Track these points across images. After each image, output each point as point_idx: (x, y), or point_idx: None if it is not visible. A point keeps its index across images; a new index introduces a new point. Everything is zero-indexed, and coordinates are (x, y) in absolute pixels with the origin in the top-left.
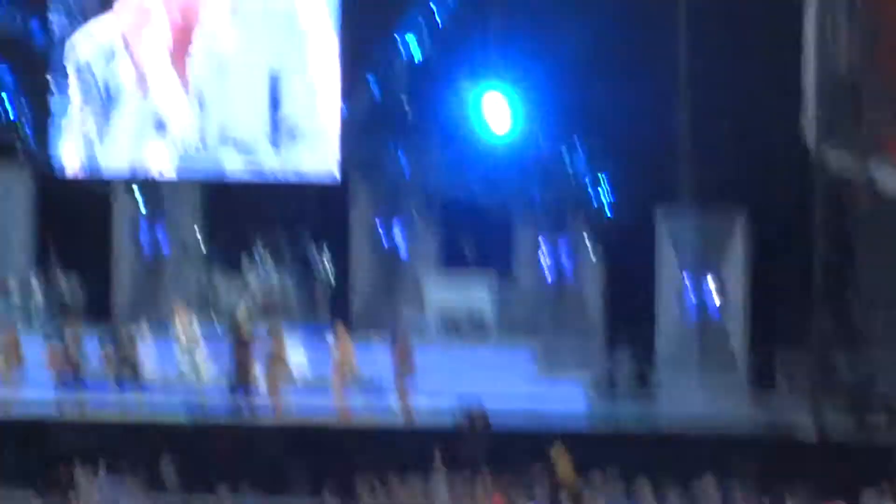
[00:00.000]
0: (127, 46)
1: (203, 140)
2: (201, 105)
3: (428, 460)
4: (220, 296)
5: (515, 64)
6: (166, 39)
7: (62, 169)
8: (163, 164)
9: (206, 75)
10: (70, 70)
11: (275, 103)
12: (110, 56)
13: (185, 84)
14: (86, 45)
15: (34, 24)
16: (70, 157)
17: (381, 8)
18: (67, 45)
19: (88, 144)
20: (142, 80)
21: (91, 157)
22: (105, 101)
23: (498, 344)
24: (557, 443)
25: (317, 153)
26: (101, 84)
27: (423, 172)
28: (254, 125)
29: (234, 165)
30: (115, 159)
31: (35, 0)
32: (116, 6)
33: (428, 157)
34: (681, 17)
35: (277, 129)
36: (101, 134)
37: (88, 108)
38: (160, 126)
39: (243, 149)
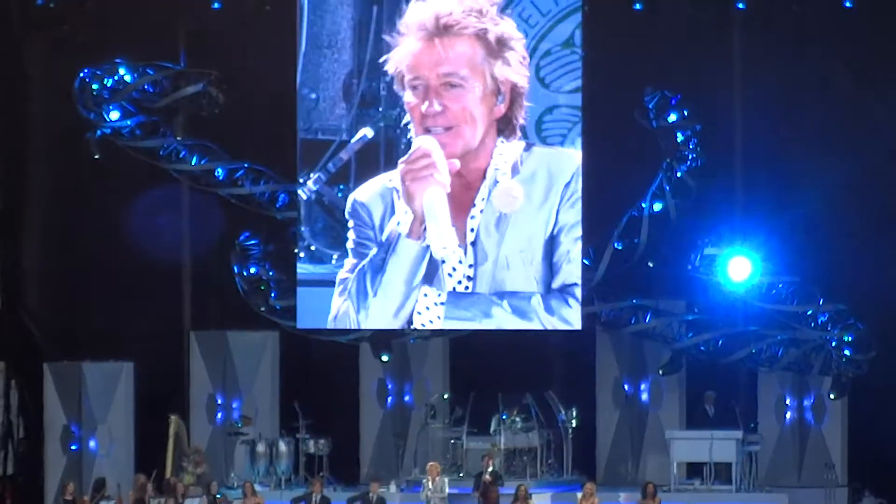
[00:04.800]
0: (406, 193)
1: (475, 293)
2: (477, 258)
3: None
4: (466, 455)
5: (759, 223)
6: (447, 189)
7: (310, 327)
8: (429, 316)
9: (486, 229)
10: (350, 222)
11: (549, 263)
12: (389, 204)
13: (462, 235)
14: (364, 196)
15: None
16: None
17: (623, 165)
18: (350, 198)
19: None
20: (419, 227)
21: (345, 313)
22: (380, 250)
23: (744, 499)
24: None
25: (569, 310)
26: (376, 231)
27: (665, 329)
28: (527, 282)
29: (503, 322)
30: (377, 312)
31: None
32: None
33: (668, 314)
34: None
35: (550, 288)
36: (367, 286)
37: (355, 260)
38: (430, 277)
39: (515, 306)
